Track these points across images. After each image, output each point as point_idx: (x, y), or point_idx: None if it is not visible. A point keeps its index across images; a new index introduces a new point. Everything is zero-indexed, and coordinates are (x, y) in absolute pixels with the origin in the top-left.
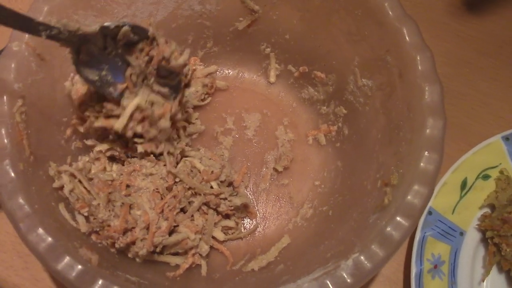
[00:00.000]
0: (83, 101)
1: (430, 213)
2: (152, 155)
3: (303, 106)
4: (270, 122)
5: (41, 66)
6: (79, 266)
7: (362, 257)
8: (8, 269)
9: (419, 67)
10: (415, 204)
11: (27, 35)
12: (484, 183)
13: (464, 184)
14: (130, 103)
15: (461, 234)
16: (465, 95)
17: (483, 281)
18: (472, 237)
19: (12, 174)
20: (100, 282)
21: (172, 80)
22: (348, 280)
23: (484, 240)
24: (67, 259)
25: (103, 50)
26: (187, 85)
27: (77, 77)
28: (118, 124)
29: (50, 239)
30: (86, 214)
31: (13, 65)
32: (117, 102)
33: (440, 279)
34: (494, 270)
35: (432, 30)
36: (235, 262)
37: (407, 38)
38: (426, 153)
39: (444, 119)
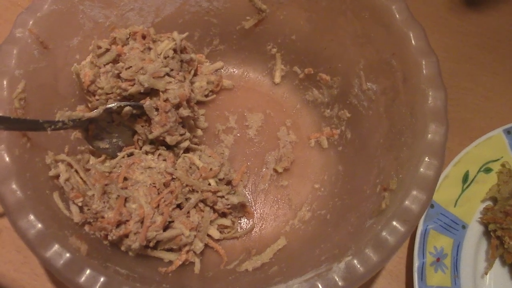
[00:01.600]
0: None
1: (432, 206)
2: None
3: (307, 108)
4: (272, 122)
5: (44, 54)
6: (68, 255)
7: (355, 261)
8: (7, 264)
9: (424, 72)
10: (413, 210)
11: (31, 22)
12: (486, 176)
13: (466, 177)
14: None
15: (464, 227)
16: (467, 90)
17: (486, 274)
18: (475, 230)
19: (7, 159)
20: (87, 272)
21: None
22: (339, 283)
23: (487, 233)
24: (55, 247)
25: (111, 123)
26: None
27: (84, 61)
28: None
29: (40, 225)
30: (80, 204)
31: (15, 51)
32: None
33: (443, 272)
34: (497, 263)
35: (433, 25)
36: (229, 262)
37: (413, 42)
38: (426, 158)
39: (446, 125)
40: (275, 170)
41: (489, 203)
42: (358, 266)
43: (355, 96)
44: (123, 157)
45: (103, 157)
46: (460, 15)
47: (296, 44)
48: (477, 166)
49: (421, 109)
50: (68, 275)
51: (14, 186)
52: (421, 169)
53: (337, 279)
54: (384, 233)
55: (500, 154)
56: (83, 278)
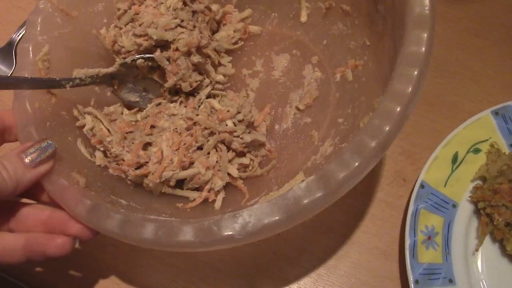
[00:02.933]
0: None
1: (422, 186)
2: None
3: (333, 44)
4: (298, 61)
5: (67, 20)
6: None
7: (317, 181)
8: None
9: None
10: (383, 129)
11: None
12: (475, 156)
13: (455, 158)
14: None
15: (454, 206)
16: (455, 74)
17: (477, 250)
18: (465, 209)
19: (29, 110)
20: (82, 200)
21: None
22: (302, 202)
23: (477, 212)
24: (60, 180)
25: (136, 77)
26: (220, 23)
27: (111, 25)
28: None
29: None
30: (102, 149)
31: (39, 20)
32: None
33: (434, 249)
34: (487, 240)
35: None
36: (250, 198)
37: None
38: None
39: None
40: (297, 108)
41: (478, 182)
42: (320, 186)
43: (372, 22)
44: (152, 108)
45: (135, 109)
46: (448, 1)
47: None
48: (466, 147)
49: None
50: (64, 201)
51: (33, 131)
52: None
53: (297, 199)
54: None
55: (489, 135)
56: (77, 205)
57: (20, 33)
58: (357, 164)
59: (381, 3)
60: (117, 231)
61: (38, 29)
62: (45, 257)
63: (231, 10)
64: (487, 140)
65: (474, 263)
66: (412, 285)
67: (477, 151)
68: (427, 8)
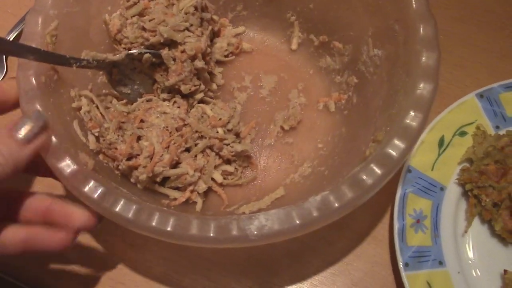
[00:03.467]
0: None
1: (409, 171)
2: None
3: (319, 74)
4: (285, 85)
5: (77, 0)
6: (75, 166)
7: (331, 196)
8: None
9: (421, 33)
10: (392, 155)
11: None
12: (462, 139)
13: (441, 142)
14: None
15: (442, 189)
16: (442, 60)
17: (466, 232)
18: (453, 192)
19: (34, 83)
20: (91, 182)
21: None
22: (314, 214)
23: (465, 194)
24: (66, 158)
25: (133, 70)
26: (216, 35)
27: (115, 14)
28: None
29: (55, 140)
30: (96, 134)
31: None
32: None
33: (423, 232)
34: (476, 221)
35: None
36: (229, 205)
37: (413, 6)
38: (411, 112)
39: (435, 82)
40: (282, 128)
41: (465, 164)
42: (333, 200)
43: (363, 63)
44: (142, 102)
45: (124, 101)
46: None
47: (313, 12)
48: (452, 130)
49: (414, 68)
50: (74, 184)
51: (37, 106)
52: (406, 121)
53: (311, 210)
54: (361, 174)
55: (474, 118)
56: (86, 188)
57: (10, 38)
58: (369, 184)
59: (380, 48)
60: (132, 219)
61: (49, 2)
62: (44, 252)
63: (226, 24)
64: (473, 122)
65: (463, 245)
66: (402, 268)
67: (463, 134)
68: (433, 61)
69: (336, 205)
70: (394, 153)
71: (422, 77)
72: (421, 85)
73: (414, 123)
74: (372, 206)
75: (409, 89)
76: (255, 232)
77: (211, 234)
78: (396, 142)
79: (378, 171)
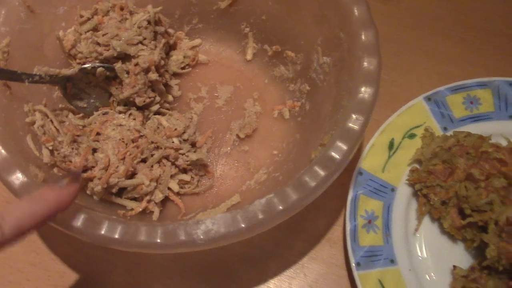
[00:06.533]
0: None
1: (360, 173)
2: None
3: (274, 83)
4: (241, 94)
5: (30, 17)
6: (26, 179)
7: (275, 199)
8: None
9: (362, 40)
10: (334, 157)
11: None
12: (411, 141)
13: (391, 144)
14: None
15: (392, 190)
16: (392, 66)
17: (417, 231)
18: (403, 192)
19: None
20: None
21: None
22: (259, 216)
23: (415, 194)
24: (17, 172)
25: (89, 84)
26: (172, 48)
27: (69, 30)
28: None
29: (5, 153)
30: (51, 148)
31: (3, 12)
32: None
33: (375, 232)
34: (427, 220)
35: None
36: (186, 213)
37: (356, 14)
38: (353, 115)
39: (376, 86)
40: (238, 136)
41: (415, 165)
42: (278, 203)
43: (314, 71)
44: (98, 115)
45: (81, 115)
46: None
47: (266, 23)
48: (401, 133)
49: (356, 73)
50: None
51: None
52: (349, 124)
53: (257, 212)
54: (305, 176)
55: (423, 120)
56: None
57: None
58: (312, 186)
59: (328, 56)
60: (81, 228)
61: (1, 19)
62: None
63: (182, 37)
64: (421, 125)
65: (414, 243)
66: (354, 267)
67: (412, 136)
68: (373, 66)
69: (281, 207)
70: (336, 156)
71: (363, 82)
72: (363, 89)
73: (356, 126)
74: (327, 209)
75: (352, 93)
76: (202, 237)
77: (159, 240)
78: (339, 144)
79: (321, 172)
